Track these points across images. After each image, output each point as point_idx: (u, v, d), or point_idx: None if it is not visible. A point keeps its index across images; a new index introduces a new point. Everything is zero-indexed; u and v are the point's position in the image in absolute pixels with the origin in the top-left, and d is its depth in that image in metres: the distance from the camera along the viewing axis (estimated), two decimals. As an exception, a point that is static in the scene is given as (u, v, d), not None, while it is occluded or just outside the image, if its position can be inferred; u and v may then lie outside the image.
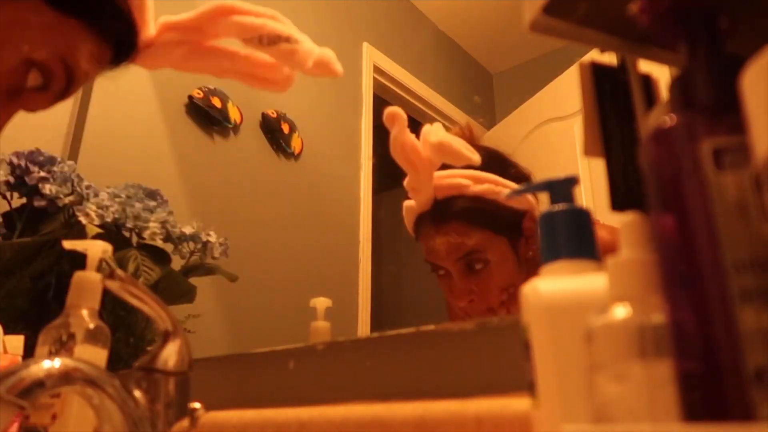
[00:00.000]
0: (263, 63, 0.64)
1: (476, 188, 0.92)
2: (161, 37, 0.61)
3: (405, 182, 0.93)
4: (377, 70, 2.22)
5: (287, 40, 0.59)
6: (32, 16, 0.51)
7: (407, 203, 0.98)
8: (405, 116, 0.83)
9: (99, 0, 0.54)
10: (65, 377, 0.51)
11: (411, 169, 0.88)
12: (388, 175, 2.36)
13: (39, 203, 1.00)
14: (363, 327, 1.82)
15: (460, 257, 0.95)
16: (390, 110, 0.84)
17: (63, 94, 0.56)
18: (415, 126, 0.89)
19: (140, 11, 0.58)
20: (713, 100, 0.26)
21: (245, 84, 0.66)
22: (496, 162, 1.00)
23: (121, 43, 0.58)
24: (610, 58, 0.38)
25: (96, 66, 0.57)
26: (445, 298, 1.06)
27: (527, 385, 0.34)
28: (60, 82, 0.55)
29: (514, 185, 0.93)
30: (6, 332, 0.75)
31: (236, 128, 1.69)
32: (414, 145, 0.86)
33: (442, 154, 0.84)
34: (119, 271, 0.58)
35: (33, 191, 1.00)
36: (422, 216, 0.98)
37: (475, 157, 0.85)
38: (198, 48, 0.63)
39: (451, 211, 0.94)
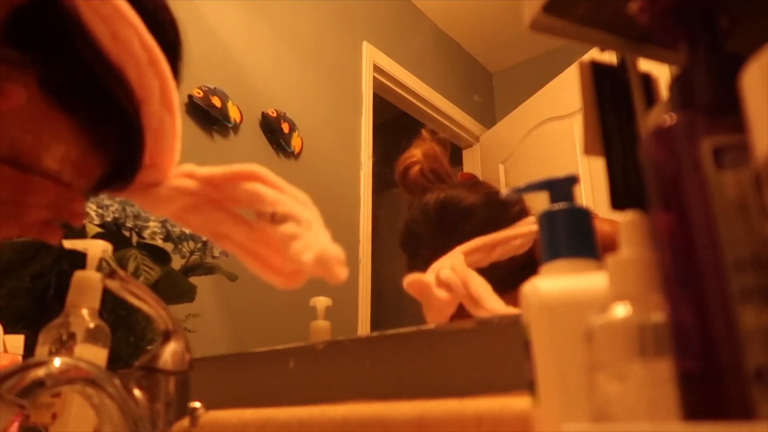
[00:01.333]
0: (271, 245, 0.54)
1: (490, 259, 0.80)
2: (176, 180, 0.52)
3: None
4: (377, 69, 2.22)
5: (298, 222, 0.50)
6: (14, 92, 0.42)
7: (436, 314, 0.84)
8: (429, 282, 0.73)
9: (101, 96, 0.45)
10: (65, 377, 0.51)
11: (441, 315, 0.77)
12: (388, 175, 2.37)
13: (39, 203, 0.99)
14: (363, 326, 1.82)
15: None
16: (412, 281, 0.73)
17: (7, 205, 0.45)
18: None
19: (158, 141, 0.49)
20: (713, 99, 0.26)
21: (245, 263, 0.56)
22: (496, 207, 0.89)
23: (120, 161, 0.49)
24: (610, 57, 0.38)
25: (73, 175, 0.47)
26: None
27: (527, 384, 0.34)
28: None
29: (525, 230, 0.82)
30: (6, 332, 0.75)
31: (236, 127, 1.69)
32: (445, 301, 0.74)
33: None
34: (119, 271, 0.58)
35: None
36: None
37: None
38: (205, 204, 0.54)
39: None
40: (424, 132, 1.02)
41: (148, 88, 0.46)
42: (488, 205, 0.89)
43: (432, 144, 0.99)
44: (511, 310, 0.68)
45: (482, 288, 0.70)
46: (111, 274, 0.58)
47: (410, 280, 0.73)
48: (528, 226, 0.80)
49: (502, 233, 0.80)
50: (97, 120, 0.46)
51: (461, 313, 0.82)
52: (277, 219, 0.50)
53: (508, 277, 0.86)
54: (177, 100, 0.49)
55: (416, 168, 0.96)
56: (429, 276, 0.75)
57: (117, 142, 0.48)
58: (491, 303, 0.69)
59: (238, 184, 0.53)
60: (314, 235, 0.49)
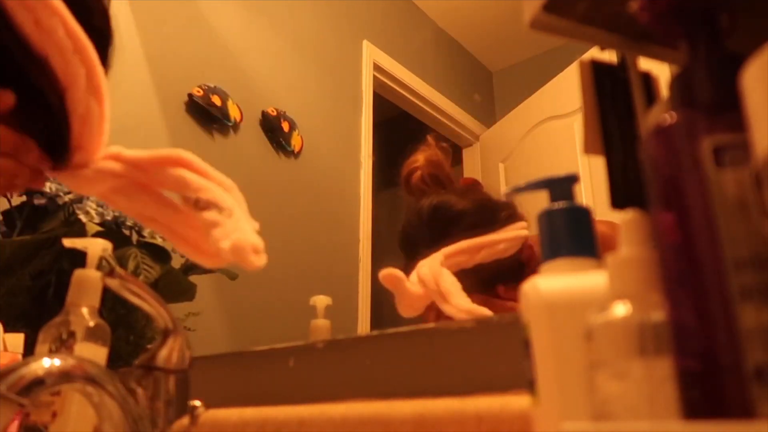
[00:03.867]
0: (198, 227, 0.55)
1: (474, 261, 0.84)
2: (101, 163, 0.53)
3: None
4: (377, 68, 2.22)
5: (220, 210, 0.51)
6: None
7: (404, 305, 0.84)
8: (402, 276, 0.76)
9: (23, 83, 0.46)
10: (65, 375, 0.51)
11: (414, 310, 0.79)
12: (388, 174, 2.36)
13: (39, 201, 1.00)
14: (363, 325, 1.82)
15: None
16: (386, 275, 0.76)
17: None
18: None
19: (85, 126, 0.50)
20: (713, 98, 0.26)
21: (170, 242, 0.57)
22: (484, 212, 0.94)
23: (48, 149, 0.50)
24: (610, 56, 0.38)
25: (12, 152, 0.48)
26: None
27: (527, 383, 0.34)
28: None
29: (511, 235, 0.85)
30: (6, 330, 0.75)
31: (236, 126, 1.69)
32: (417, 295, 0.77)
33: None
34: (119, 269, 0.58)
35: (33, 189, 1.00)
36: None
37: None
38: (133, 187, 0.55)
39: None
40: (429, 138, 1.06)
41: (73, 75, 0.47)
42: (477, 210, 0.93)
43: (435, 150, 1.02)
44: (476, 308, 0.73)
45: (452, 286, 0.74)
46: (111, 273, 0.58)
47: (384, 273, 0.77)
48: (514, 231, 0.84)
49: (487, 237, 0.84)
50: (20, 105, 0.47)
51: (434, 310, 0.83)
52: (200, 205, 0.52)
53: (492, 278, 0.89)
54: (105, 86, 0.50)
55: (417, 173, 1.00)
56: (414, 274, 0.79)
57: (41, 126, 0.49)
58: (458, 299, 0.73)
59: (164, 168, 0.54)
60: (234, 223, 0.51)
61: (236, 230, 0.50)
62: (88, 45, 0.47)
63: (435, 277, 0.75)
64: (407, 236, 0.99)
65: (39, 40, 0.45)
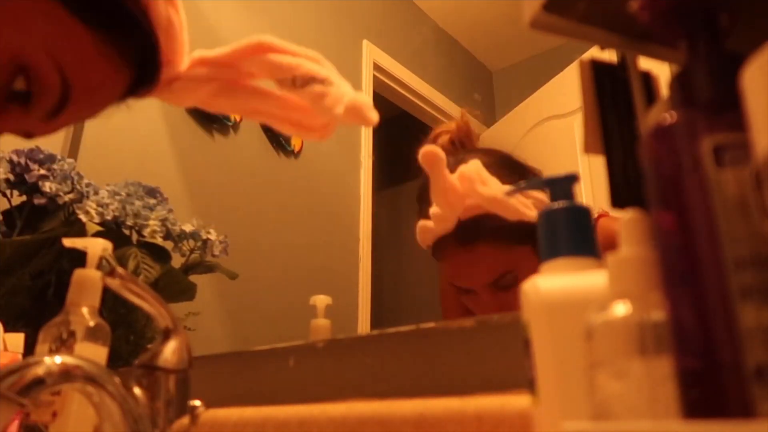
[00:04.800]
0: (298, 106, 0.57)
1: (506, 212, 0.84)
2: (190, 71, 0.55)
3: (432, 212, 0.86)
4: (377, 67, 2.22)
5: (321, 81, 0.53)
6: (38, 11, 0.44)
7: (423, 224, 0.91)
8: (444, 156, 0.77)
9: (117, 10, 0.47)
10: (65, 375, 0.51)
11: (446, 206, 0.83)
12: (388, 173, 2.36)
13: (39, 201, 1.00)
14: (363, 325, 1.82)
15: (492, 281, 0.89)
16: (427, 151, 0.76)
17: (55, 114, 0.48)
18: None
19: (170, 39, 0.51)
20: (713, 98, 0.26)
21: (279, 129, 0.59)
22: (508, 167, 0.94)
23: (141, 67, 0.50)
24: (610, 56, 0.38)
25: (106, 88, 0.49)
26: (440, 299, 1.05)
27: (527, 383, 0.34)
28: (50, 97, 0.46)
29: (537, 195, 0.85)
30: (6, 330, 0.75)
31: (236, 126, 1.69)
32: (454, 186, 0.79)
33: (496, 209, 0.78)
34: (119, 269, 0.58)
35: (33, 189, 1.00)
36: (444, 238, 0.90)
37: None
38: (229, 86, 0.56)
39: (478, 232, 0.88)
40: (462, 110, 1.11)
41: None
42: (501, 165, 0.93)
43: (467, 120, 1.07)
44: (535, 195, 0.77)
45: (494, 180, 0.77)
46: (111, 273, 0.58)
47: (425, 149, 0.77)
48: (522, 203, 0.85)
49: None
50: (113, 29, 0.47)
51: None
52: (298, 83, 0.54)
53: (516, 232, 0.87)
54: None
55: (447, 136, 1.03)
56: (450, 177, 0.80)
57: (135, 47, 0.49)
58: (496, 186, 0.75)
59: (251, 58, 0.55)
60: (338, 89, 0.54)
61: (344, 94, 0.52)
62: None
63: (478, 171, 0.77)
64: (427, 190, 0.98)
65: None
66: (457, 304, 0.96)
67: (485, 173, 0.78)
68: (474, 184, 0.78)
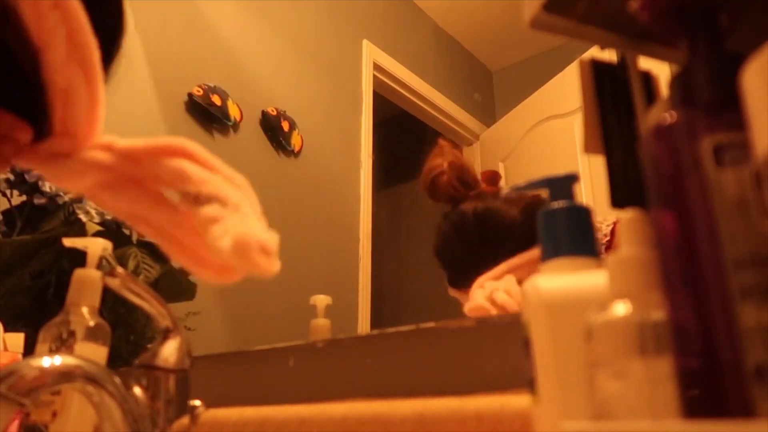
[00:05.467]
0: (196, 232, 0.45)
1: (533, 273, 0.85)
2: (89, 153, 0.45)
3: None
4: (377, 67, 2.22)
5: (223, 205, 0.42)
6: None
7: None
8: (489, 306, 0.76)
9: None
10: (65, 375, 0.51)
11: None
12: (388, 173, 2.36)
13: (39, 201, 1.00)
14: (363, 324, 1.82)
15: None
16: (475, 309, 0.76)
17: None
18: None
19: (68, 107, 0.42)
20: (713, 97, 0.26)
21: (168, 254, 0.48)
22: (535, 221, 0.93)
23: (32, 116, 0.41)
24: (610, 55, 0.38)
25: None
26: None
27: (527, 383, 0.34)
28: None
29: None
30: (6, 330, 0.75)
31: (236, 126, 1.69)
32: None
33: None
34: (119, 269, 0.58)
35: (33, 189, 1.00)
36: None
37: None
38: (122, 182, 0.46)
39: None
40: (441, 141, 1.03)
41: (48, 33, 0.38)
42: (528, 221, 0.89)
43: (454, 152, 1.01)
44: None
45: None
46: (111, 273, 0.58)
47: (473, 306, 0.76)
48: None
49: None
50: None
51: None
52: (201, 200, 0.43)
53: None
54: (96, 59, 0.41)
55: (444, 178, 0.97)
56: (479, 294, 0.78)
57: (11, 100, 0.41)
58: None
59: (162, 160, 0.45)
60: (239, 218, 0.42)
61: (240, 225, 0.41)
62: (74, 4, 0.38)
63: (520, 303, 0.73)
64: (447, 244, 0.96)
65: None
66: None
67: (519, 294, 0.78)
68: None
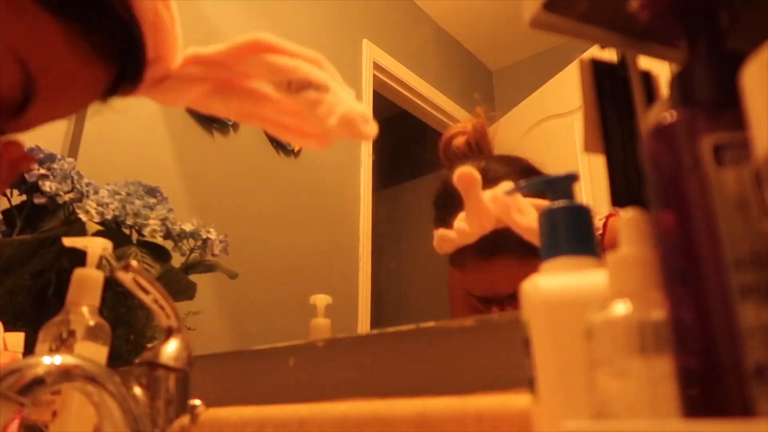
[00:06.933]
0: (294, 111, 0.52)
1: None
2: (182, 69, 0.50)
3: (457, 226, 0.80)
4: (377, 67, 2.22)
5: (317, 88, 0.48)
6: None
7: (444, 234, 0.84)
8: (480, 179, 0.73)
9: (94, 3, 0.42)
10: (65, 374, 0.51)
11: (477, 226, 0.78)
12: (388, 173, 2.36)
13: (39, 200, 1.00)
14: (363, 324, 1.82)
15: (512, 292, 0.88)
16: (464, 173, 0.73)
17: (18, 111, 0.42)
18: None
19: (157, 33, 0.46)
20: (713, 97, 0.26)
21: (275, 135, 0.56)
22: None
23: (123, 63, 0.45)
24: (610, 55, 0.38)
25: (79, 85, 0.44)
26: (451, 304, 1.04)
27: (527, 382, 0.34)
28: (10, 93, 0.40)
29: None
30: (6, 329, 0.75)
31: (236, 125, 1.69)
32: (488, 210, 0.77)
33: (531, 239, 0.72)
34: (134, 262, 0.58)
35: (33, 188, 1.00)
36: (465, 248, 0.85)
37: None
38: (223, 86, 0.52)
39: (500, 245, 0.86)
40: (478, 109, 1.08)
41: None
42: (522, 175, 0.90)
43: (483, 121, 1.05)
44: None
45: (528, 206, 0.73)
46: (126, 266, 0.58)
47: (460, 171, 0.73)
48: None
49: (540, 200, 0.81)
50: (85, 21, 0.42)
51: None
52: (294, 87, 0.49)
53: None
54: None
55: (463, 138, 1.01)
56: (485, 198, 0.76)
57: (115, 42, 0.44)
58: (532, 215, 0.70)
59: (248, 58, 0.51)
60: (334, 96, 0.48)
61: (339, 103, 0.47)
62: None
63: (514, 196, 0.74)
64: (447, 192, 0.95)
65: None
66: (471, 311, 0.96)
67: (521, 200, 0.75)
68: (510, 212, 0.74)
